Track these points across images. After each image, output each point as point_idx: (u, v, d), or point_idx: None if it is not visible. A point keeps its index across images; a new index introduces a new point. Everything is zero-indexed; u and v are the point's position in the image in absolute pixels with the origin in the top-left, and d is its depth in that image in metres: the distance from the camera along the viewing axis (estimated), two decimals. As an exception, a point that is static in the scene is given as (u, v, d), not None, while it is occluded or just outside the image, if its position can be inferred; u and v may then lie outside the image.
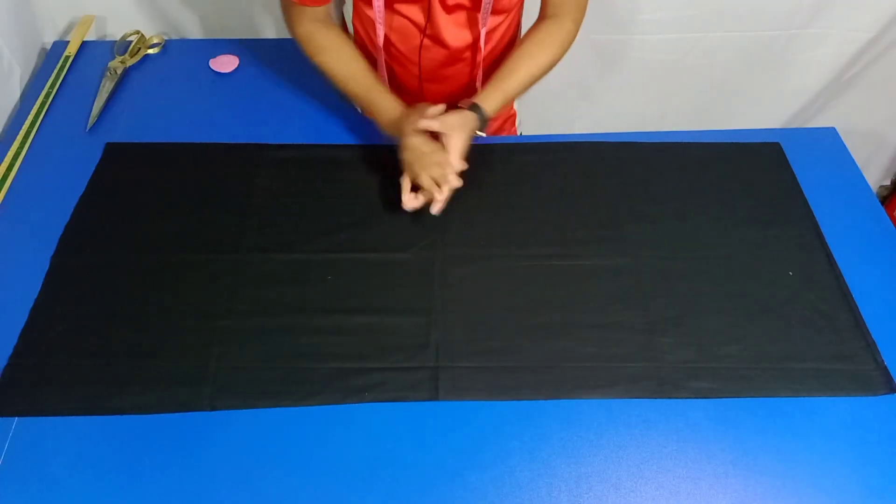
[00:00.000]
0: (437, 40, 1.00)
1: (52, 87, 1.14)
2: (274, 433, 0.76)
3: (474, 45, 1.02)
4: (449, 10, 0.96)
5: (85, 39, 1.24)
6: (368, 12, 0.99)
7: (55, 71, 1.17)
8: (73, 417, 0.77)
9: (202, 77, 1.18)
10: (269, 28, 1.37)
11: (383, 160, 1.03)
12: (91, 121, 1.08)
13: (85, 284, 0.88)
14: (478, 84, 1.10)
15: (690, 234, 0.95)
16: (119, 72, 1.16)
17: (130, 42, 1.22)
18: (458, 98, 1.08)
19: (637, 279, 0.90)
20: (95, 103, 1.11)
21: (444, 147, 0.91)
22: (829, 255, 0.92)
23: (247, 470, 0.74)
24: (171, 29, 1.34)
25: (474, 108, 0.96)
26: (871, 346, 0.83)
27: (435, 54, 1.03)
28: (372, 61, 1.05)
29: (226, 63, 1.19)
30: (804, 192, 1.00)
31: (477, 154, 1.03)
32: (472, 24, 0.99)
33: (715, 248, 0.93)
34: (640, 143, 1.07)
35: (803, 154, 1.05)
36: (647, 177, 1.02)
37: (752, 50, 1.45)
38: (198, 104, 1.13)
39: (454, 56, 1.03)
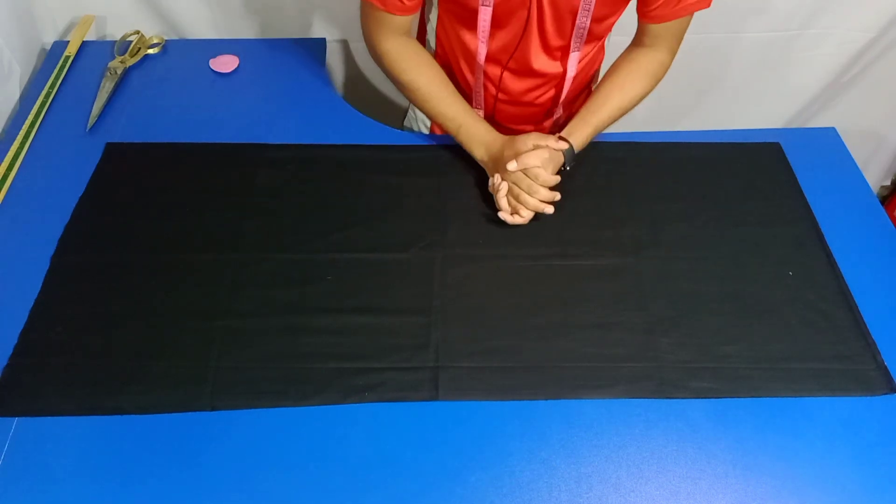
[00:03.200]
0: (524, 65, 1.00)
1: (52, 87, 1.14)
2: (274, 433, 0.76)
3: (560, 73, 1.02)
4: (543, 36, 0.96)
5: (85, 39, 1.24)
6: (463, 34, 0.99)
7: (55, 71, 1.17)
8: (73, 417, 0.77)
9: (202, 77, 1.18)
10: (269, 28, 1.37)
11: (384, 160, 1.03)
12: (91, 121, 1.08)
13: (85, 284, 0.88)
14: (557, 112, 1.11)
15: (690, 234, 0.95)
16: (119, 72, 1.16)
17: (130, 42, 1.22)
18: (528, 121, 1.10)
19: (637, 279, 0.90)
20: (95, 103, 1.11)
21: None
22: (829, 255, 0.92)
23: (247, 470, 0.74)
24: (171, 29, 1.34)
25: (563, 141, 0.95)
26: (871, 346, 0.83)
27: (518, 78, 1.03)
28: (462, 79, 1.07)
29: (226, 63, 1.19)
30: (804, 192, 1.00)
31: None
32: (563, 53, 0.99)
33: (715, 248, 0.93)
34: (640, 143, 1.07)
35: (803, 154, 1.05)
36: (647, 177, 1.02)
37: (753, 50, 1.45)
38: (198, 104, 1.13)
39: (537, 81, 1.04)
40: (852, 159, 1.06)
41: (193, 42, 1.32)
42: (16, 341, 0.82)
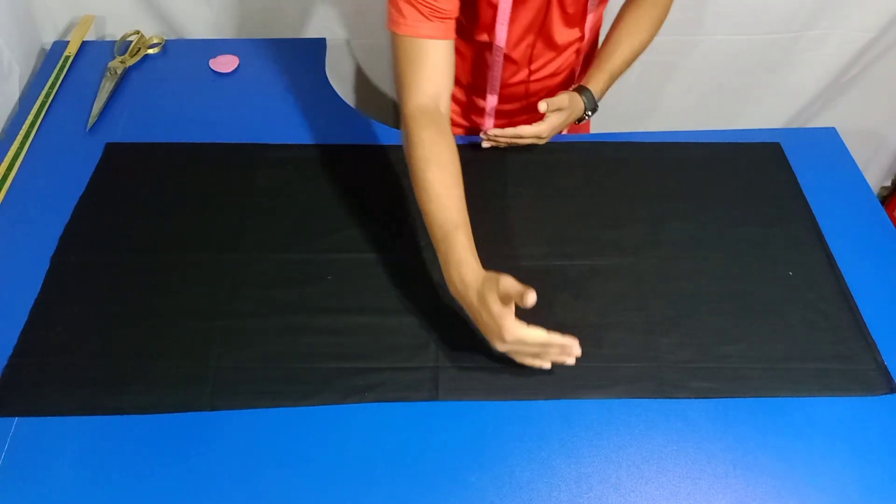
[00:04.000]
0: (548, 40, 1.01)
1: (51, 87, 1.14)
2: (274, 433, 0.76)
3: (579, 38, 1.04)
4: (562, 8, 0.96)
5: (85, 39, 1.24)
6: (472, 23, 0.98)
7: (55, 71, 1.17)
8: (73, 417, 0.77)
9: (202, 77, 1.18)
10: (269, 28, 1.37)
11: (383, 160, 1.03)
12: (91, 121, 1.08)
13: (85, 284, 0.88)
14: (576, 71, 1.12)
15: (690, 234, 0.95)
16: (119, 72, 1.16)
17: (130, 42, 1.22)
18: (559, 89, 1.10)
19: (637, 279, 0.90)
20: (95, 103, 1.11)
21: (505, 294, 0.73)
22: (829, 255, 0.92)
23: (247, 470, 0.74)
24: (171, 29, 1.34)
25: (581, 90, 0.99)
26: (871, 346, 0.83)
27: (545, 52, 1.04)
28: (479, 64, 1.06)
29: (226, 63, 1.19)
30: (804, 192, 1.00)
31: (477, 154, 1.04)
32: (580, 18, 1.00)
33: (715, 248, 0.93)
34: (640, 143, 1.07)
35: (803, 154, 1.05)
36: (647, 177, 1.02)
37: (753, 51, 1.45)
38: (198, 104, 1.13)
39: (561, 53, 1.05)
40: (852, 159, 1.06)
41: (193, 42, 1.32)
42: (16, 341, 0.82)
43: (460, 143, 1.03)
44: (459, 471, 0.74)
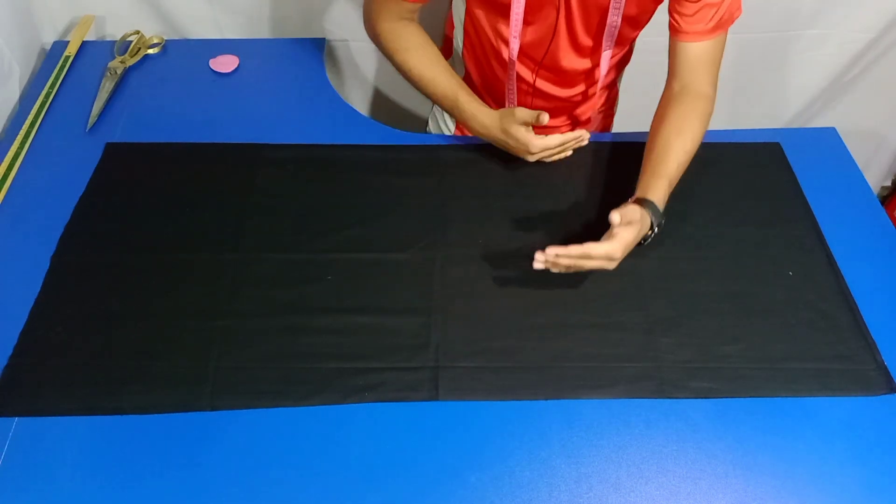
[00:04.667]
0: (555, 63, 1.01)
1: (51, 87, 1.14)
2: (274, 433, 0.76)
3: (589, 69, 1.02)
4: (572, 35, 0.96)
5: (85, 39, 1.24)
6: (495, 29, 0.99)
7: (55, 71, 1.17)
8: (73, 417, 0.77)
9: (202, 77, 1.18)
10: (269, 28, 1.37)
11: (384, 160, 1.03)
12: (91, 121, 1.08)
13: (85, 284, 0.88)
14: (597, 102, 1.11)
15: (690, 234, 0.95)
16: (119, 72, 1.16)
17: (130, 42, 1.22)
18: (559, 114, 1.11)
19: (637, 279, 0.90)
20: (95, 103, 1.11)
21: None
22: (829, 255, 0.92)
23: (247, 470, 0.74)
24: (171, 29, 1.34)
25: (643, 202, 0.87)
26: (871, 346, 0.83)
27: (550, 77, 1.03)
28: (492, 76, 1.07)
29: (226, 63, 1.19)
30: (804, 192, 1.00)
31: (477, 154, 1.04)
32: (593, 51, 0.99)
33: (715, 248, 0.93)
34: (641, 143, 1.06)
35: (803, 154, 1.05)
36: (647, 177, 1.02)
37: (753, 51, 1.45)
38: (198, 104, 1.13)
39: (568, 79, 1.04)
40: (852, 159, 1.06)
41: (193, 42, 1.32)
42: (16, 341, 0.82)
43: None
44: (459, 471, 0.74)
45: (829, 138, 1.09)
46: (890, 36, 1.41)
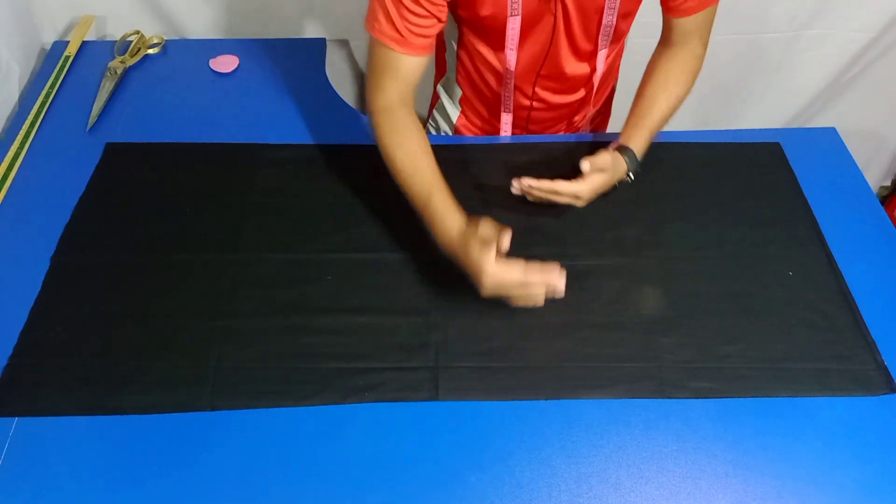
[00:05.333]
0: (556, 70, 0.99)
1: (52, 87, 1.14)
2: (274, 433, 0.76)
3: (588, 73, 1.02)
4: (571, 40, 0.95)
5: (85, 39, 1.24)
6: (490, 49, 0.97)
7: (55, 71, 1.17)
8: (73, 417, 0.77)
9: (202, 77, 1.18)
10: (269, 28, 1.37)
11: (383, 160, 1.03)
12: (91, 121, 1.08)
13: (85, 284, 0.88)
14: (587, 108, 1.10)
15: (690, 234, 0.95)
16: (119, 72, 1.16)
17: (130, 42, 1.23)
18: (560, 121, 1.09)
19: (637, 279, 0.90)
20: (95, 103, 1.11)
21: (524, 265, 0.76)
22: (829, 255, 0.92)
23: (247, 470, 0.74)
24: (171, 29, 1.34)
25: (623, 150, 0.91)
26: (871, 346, 0.83)
27: (551, 84, 1.03)
28: (488, 89, 1.05)
29: (226, 63, 1.19)
30: (804, 192, 1.00)
31: (477, 154, 1.04)
32: (591, 54, 0.99)
33: (715, 248, 0.93)
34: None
35: (803, 154, 1.05)
36: (647, 177, 1.02)
37: (753, 51, 1.45)
38: (198, 104, 1.13)
39: (569, 85, 1.03)
40: (852, 159, 1.06)
41: (193, 42, 1.32)
42: (16, 341, 0.82)
43: (470, 142, 1.04)
44: (459, 471, 0.74)
45: (829, 138, 1.09)
46: (890, 36, 1.41)
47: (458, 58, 1.05)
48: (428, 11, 0.85)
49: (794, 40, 1.42)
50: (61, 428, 0.76)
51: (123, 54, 1.20)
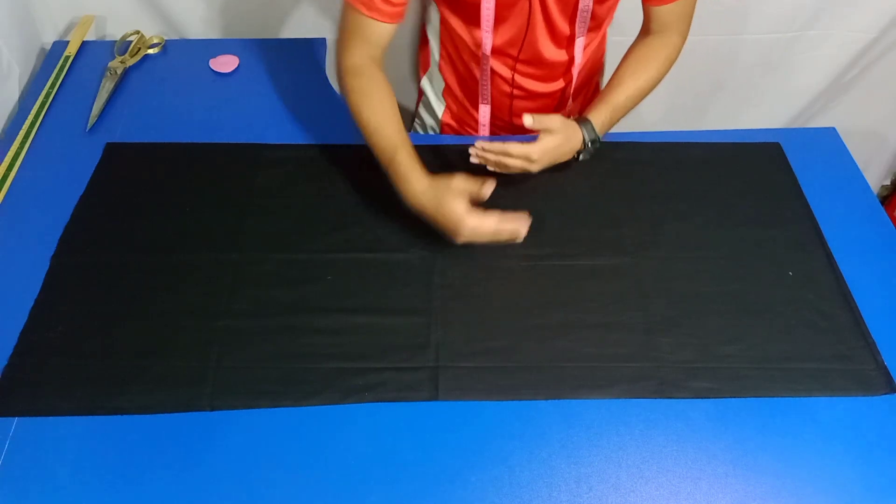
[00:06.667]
0: (534, 55, 1.00)
1: (52, 87, 1.14)
2: (274, 433, 0.76)
3: (567, 61, 1.02)
4: (549, 23, 0.95)
5: (85, 39, 1.24)
6: (468, 30, 0.98)
7: (55, 71, 1.17)
8: (73, 417, 0.77)
9: (202, 77, 1.18)
10: (269, 28, 1.37)
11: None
12: (91, 121, 1.08)
13: (85, 284, 0.88)
14: (568, 104, 1.11)
15: (690, 234, 0.95)
16: (119, 72, 1.16)
17: (130, 42, 1.23)
18: (541, 111, 1.08)
19: (637, 279, 0.90)
20: (95, 103, 1.11)
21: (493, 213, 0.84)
22: (829, 255, 0.92)
23: (247, 470, 0.74)
24: (171, 29, 1.34)
25: (581, 121, 0.94)
26: (871, 346, 0.83)
27: (530, 70, 1.03)
28: (469, 77, 1.05)
29: (226, 63, 1.19)
30: (804, 192, 1.00)
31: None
32: (569, 41, 0.99)
33: (715, 248, 0.93)
34: (640, 143, 1.07)
35: (803, 154, 1.05)
36: (647, 177, 1.02)
37: (753, 51, 1.45)
38: (198, 104, 1.13)
39: (548, 72, 1.04)
40: (852, 159, 1.06)
41: (193, 42, 1.32)
42: (16, 341, 0.82)
43: (459, 142, 1.04)
44: (459, 471, 0.74)
45: (829, 138, 1.09)
46: (890, 36, 1.41)
47: (441, 43, 1.05)
48: None
49: (794, 40, 1.42)
50: (61, 428, 0.76)
51: (123, 54, 1.20)
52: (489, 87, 1.06)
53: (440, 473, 0.74)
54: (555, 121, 0.90)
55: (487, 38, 0.97)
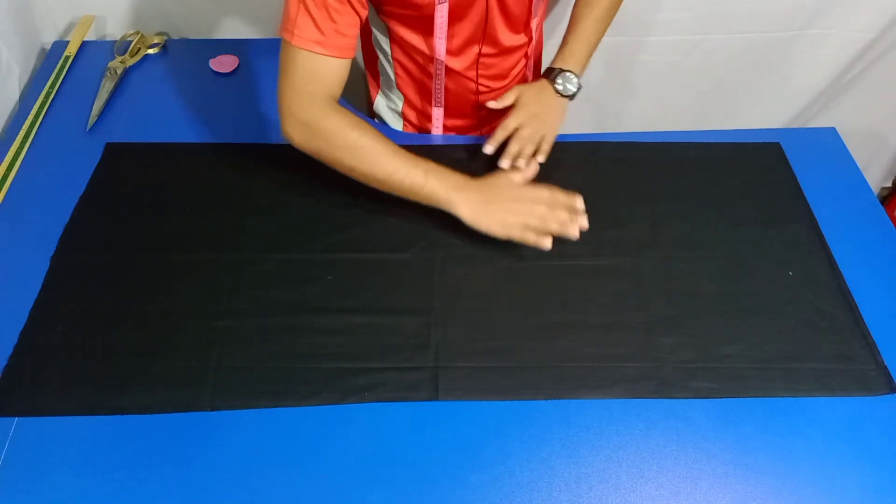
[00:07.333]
0: (496, 45, 1.00)
1: (52, 87, 1.14)
2: (274, 433, 0.76)
3: (527, 42, 1.04)
4: (505, 13, 0.96)
5: (85, 39, 1.24)
6: (423, 39, 0.97)
7: (55, 71, 1.17)
8: (73, 417, 0.77)
9: (202, 77, 1.18)
10: (269, 28, 1.37)
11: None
12: (91, 121, 1.08)
13: (85, 284, 0.88)
14: (528, 77, 1.12)
15: (690, 234, 0.95)
16: (119, 72, 1.16)
17: (130, 42, 1.23)
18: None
19: (637, 279, 0.90)
20: (95, 103, 1.11)
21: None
22: (829, 255, 0.92)
23: (247, 470, 0.74)
24: (171, 29, 1.34)
25: (548, 72, 1.01)
26: (871, 346, 0.83)
27: (495, 61, 1.03)
28: (426, 87, 1.06)
29: (226, 63, 1.19)
30: (804, 192, 1.00)
31: (477, 153, 1.04)
32: (525, 24, 1.00)
33: (715, 248, 0.93)
34: (640, 143, 1.07)
35: (803, 154, 1.05)
36: (647, 177, 1.02)
37: (753, 51, 1.45)
38: (198, 104, 1.13)
39: (512, 58, 1.04)
40: (852, 159, 1.06)
41: (193, 42, 1.31)
42: (16, 341, 0.82)
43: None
44: (459, 471, 0.74)
45: (829, 138, 1.09)
46: (890, 36, 1.41)
47: (394, 61, 1.05)
48: (350, 7, 0.84)
49: (794, 40, 1.42)
50: (61, 428, 0.76)
51: (123, 54, 1.20)
52: (443, 90, 1.07)
53: (440, 473, 0.74)
54: (509, 95, 0.99)
55: (441, 43, 0.97)
